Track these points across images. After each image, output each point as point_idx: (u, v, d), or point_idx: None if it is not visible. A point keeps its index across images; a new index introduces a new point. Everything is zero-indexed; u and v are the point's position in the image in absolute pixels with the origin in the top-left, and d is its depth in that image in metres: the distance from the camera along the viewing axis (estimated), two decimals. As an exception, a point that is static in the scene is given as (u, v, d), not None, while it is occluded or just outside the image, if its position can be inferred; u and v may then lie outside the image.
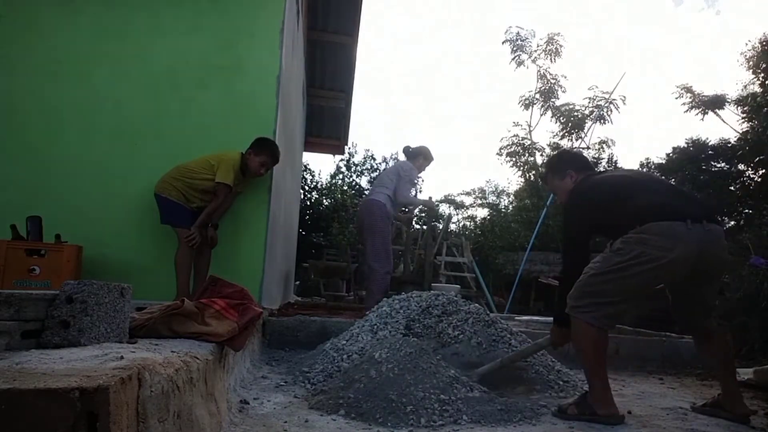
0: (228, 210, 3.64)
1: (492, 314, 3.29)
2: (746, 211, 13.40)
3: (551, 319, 5.41)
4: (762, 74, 13.21)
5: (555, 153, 2.38)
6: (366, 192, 19.82)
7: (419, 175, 5.07)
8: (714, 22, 48.63)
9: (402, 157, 5.16)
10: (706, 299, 2.31)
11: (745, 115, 13.63)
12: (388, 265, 4.64)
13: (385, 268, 4.58)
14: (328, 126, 9.31)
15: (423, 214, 5.42)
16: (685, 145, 15.11)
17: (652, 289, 2.22)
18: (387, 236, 4.67)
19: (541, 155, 16.48)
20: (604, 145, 15.70)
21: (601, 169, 2.62)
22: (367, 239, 4.61)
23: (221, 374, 1.82)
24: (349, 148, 20.64)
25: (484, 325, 2.93)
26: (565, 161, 2.61)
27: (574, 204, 2.39)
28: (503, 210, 23.98)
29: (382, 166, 21.65)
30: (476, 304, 3.20)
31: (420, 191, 21.53)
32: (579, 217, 2.34)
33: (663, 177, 2.57)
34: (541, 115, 15.53)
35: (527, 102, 15.50)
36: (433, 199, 5.05)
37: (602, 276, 2.12)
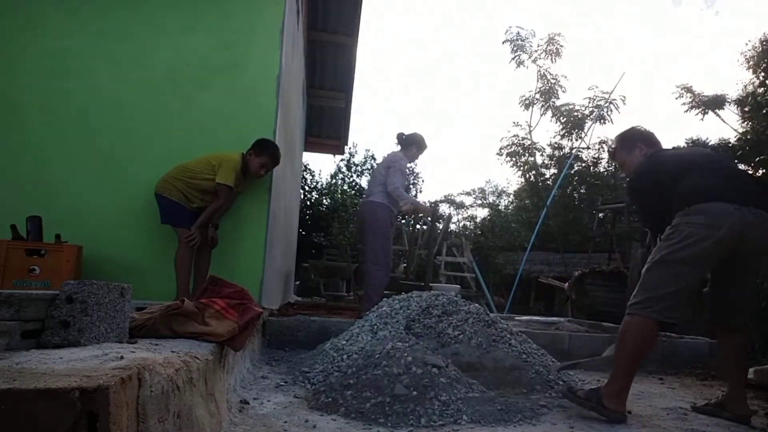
0: (228, 210, 3.64)
1: (492, 314, 3.28)
2: (746, 211, 13.37)
3: (552, 319, 5.40)
4: (762, 74, 13.19)
5: (626, 128, 2.44)
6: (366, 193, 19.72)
7: (413, 164, 4.92)
8: (713, 22, 48.67)
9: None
10: (745, 292, 2.32)
11: (745, 114, 13.63)
12: (387, 267, 4.57)
13: (382, 270, 4.51)
14: (328, 126, 9.30)
15: (427, 217, 5.17)
16: (685, 145, 15.09)
17: (704, 274, 2.25)
18: (388, 239, 4.59)
19: (542, 155, 16.48)
20: (604, 145, 15.69)
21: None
22: (367, 241, 4.53)
23: (221, 374, 1.82)
24: (349, 148, 20.60)
25: (484, 325, 2.93)
26: (635, 135, 2.61)
27: (641, 176, 2.41)
28: (503, 210, 23.98)
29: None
30: (476, 305, 3.20)
31: (420, 192, 21.45)
32: (646, 188, 2.37)
33: (722, 156, 2.66)
34: (541, 115, 15.51)
35: (527, 102, 15.47)
36: (436, 208, 4.83)
37: (656, 267, 2.16)
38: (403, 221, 6.82)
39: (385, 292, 4.55)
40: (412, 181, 21.46)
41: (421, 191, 21.58)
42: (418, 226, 7.04)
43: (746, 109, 13.38)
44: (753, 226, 2.10)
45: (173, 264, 3.31)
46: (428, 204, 4.90)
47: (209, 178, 3.39)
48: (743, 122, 13.91)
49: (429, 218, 4.84)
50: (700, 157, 2.38)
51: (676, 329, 4.40)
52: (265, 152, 3.52)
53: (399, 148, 4.82)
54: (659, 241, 2.27)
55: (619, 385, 2.13)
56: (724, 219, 2.08)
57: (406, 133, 4.82)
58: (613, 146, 2.71)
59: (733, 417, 2.23)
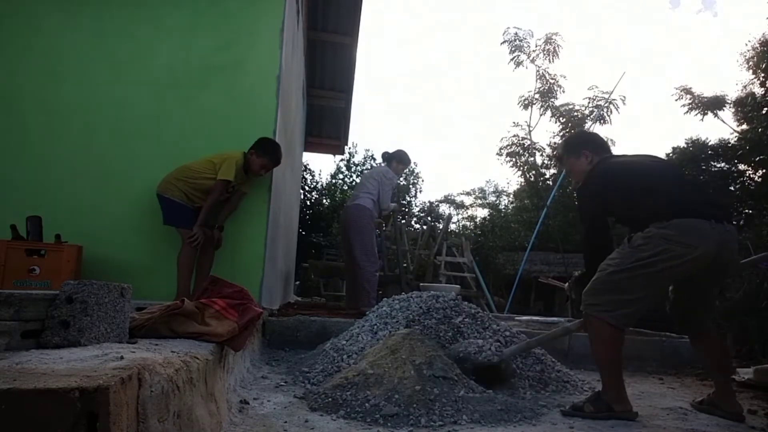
0: (234, 211, 3.64)
1: (491, 314, 3.28)
2: (746, 211, 13.40)
3: (552, 319, 5.40)
4: (762, 74, 13.20)
5: (572, 133, 2.48)
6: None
7: (398, 178, 5.25)
8: (713, 23, 48.70)
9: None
10: (709, 299, 2.33)
11: (744, 115, 13.62)
12: (377, 264, 4.83)
13: (374, 266, 4.75)
14: (328, 126, 9.30)
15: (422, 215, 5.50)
16: (685, 146, 15.10)
17: (668, 287, 2.25)
18: (374, 237, 4.87)
19: (541, 155, 16.47)
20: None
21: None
22: (356, 241, 4.76)
23: (221, 374, 1.82)
24: (349, 148, 20.64)
25: (482, 327, 2.93)
26: (581, 141, 2.59)
27: (591, 187, 2.36)
28: (503, 210, 23.99)
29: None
30: (477, 308, 3.20)
31: (420, 191, 21.53)
32: (595, 200, 2.31)
33: (676, 166, 2.68)
34: (541, 115, 15.48)
35: (527, 102, 15.47)
36: (397, 206, 5.26)
37: (623, 273, 2.12)
38: (403, 221, 6.88)
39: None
40: (411, 182, 21.48)
41: (421, 191, 21.63)
42: (417, 226, 7.06)
43: (747, 109, 13.38)
44: (726, 242, 2.10)
45: (174, 264, 3.31)
46: (427, 205, 5.31)
47: (211, 177, 3.38)
48: (743, 123, 13.91)
49: (396, 215, 5.28)
50: (663, 168, 2.34)
51: (676, 329, 4.40)
52: (266, 153, 3.52)
53: (384, 164, 5.22)
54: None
55: (615, 386, 2.15)
56: (701, 238, 2.05)
57: (390, 150, 5.21)
58: (558, 152, 2.69)
59: (725, 415, 2.26)
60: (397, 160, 5.11)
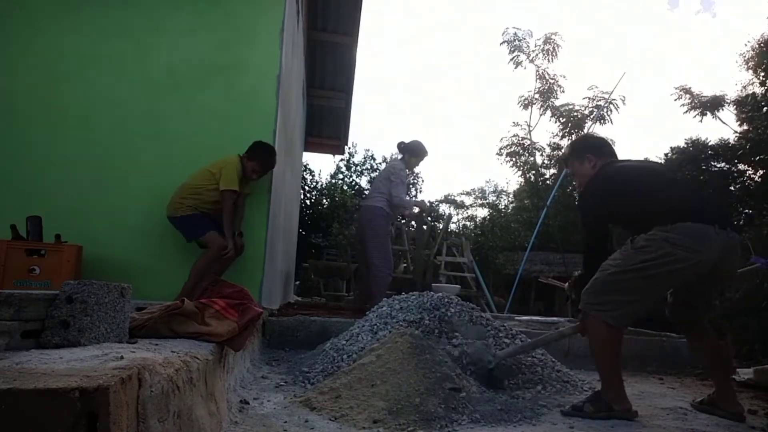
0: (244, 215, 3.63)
1: (491, 314, 3.28)
2: (746, 211, 13.39)
3: (552, 319, 5.40)
4: (762, 74, 13.20)
5: (578, 137, 2.50)
6: (365, 193, 19.85)
7: (413, 170, 5.11)
8: (712, 24, 48.75)
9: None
10: (708, 299, 2.35)
11: (744, 115, 13.61)
12: (390, 266, 4.76)
13: (387, 269, 4.69)
14: (328, 126, 9.31)
15: (424, 215, 5.32)
16: (685, 145, 15.08)
17: (669, 290, 2.24)
18: (388, 239, 4.79)
19: (541, 155, 16.47)
20: (603, 146, 15.68)
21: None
22: (369, 242, 4.71)
23: (221, 374, 1.82)
24: (349, 148, 20.63)
25: (482, 327, 2.93)
26: (585, 145, 2.59)
27: (593, 193, 2.37)
28: (503, 210, 23.99)
29: (382, 167, 21.64)
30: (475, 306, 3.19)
31: (420, 191, 21.48)
32: (597, 206, 2.33)
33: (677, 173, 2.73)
34: (541, 115, 15.47)
35: (526, 102, 15.45)
36: (427, 203, 5.04)
37: (625, 274, 2.12)
38: (404, 221, 6.88)
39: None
40: (411, 181, 21.48)
41: (421, 191, 21.60)
42: (414, 224, 7.06)
43: (746, 109, 13.37)
44: (729, 249, 2.10)
45: (174, 263, 3.31)
46: (427, 203, 5.11)
47: (214, 188, 3.38)
48: (742, 123, 13.90)
49: (425, 215, 5.04)
50: (662, 171, 2.38)
51: (676, 329, 4.40)
52: (257, 157, 3.52)
53: (399, 156, 5.06)
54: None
55: (614, 386, 2.16)
56: (705, 243, 2.05)
57: (406, 141, 5.04)
58: (564, 155, 2.71)
59: (726, 414, 2.26)
60: (410, 153, 4.96)
